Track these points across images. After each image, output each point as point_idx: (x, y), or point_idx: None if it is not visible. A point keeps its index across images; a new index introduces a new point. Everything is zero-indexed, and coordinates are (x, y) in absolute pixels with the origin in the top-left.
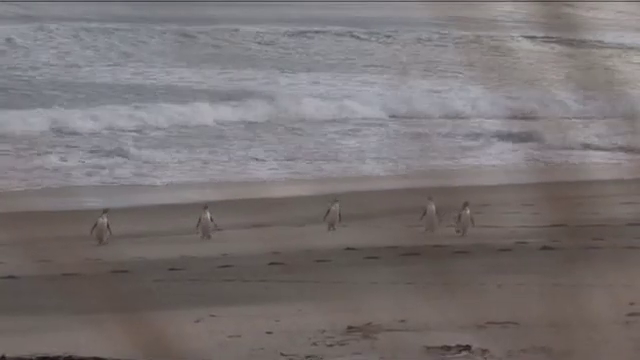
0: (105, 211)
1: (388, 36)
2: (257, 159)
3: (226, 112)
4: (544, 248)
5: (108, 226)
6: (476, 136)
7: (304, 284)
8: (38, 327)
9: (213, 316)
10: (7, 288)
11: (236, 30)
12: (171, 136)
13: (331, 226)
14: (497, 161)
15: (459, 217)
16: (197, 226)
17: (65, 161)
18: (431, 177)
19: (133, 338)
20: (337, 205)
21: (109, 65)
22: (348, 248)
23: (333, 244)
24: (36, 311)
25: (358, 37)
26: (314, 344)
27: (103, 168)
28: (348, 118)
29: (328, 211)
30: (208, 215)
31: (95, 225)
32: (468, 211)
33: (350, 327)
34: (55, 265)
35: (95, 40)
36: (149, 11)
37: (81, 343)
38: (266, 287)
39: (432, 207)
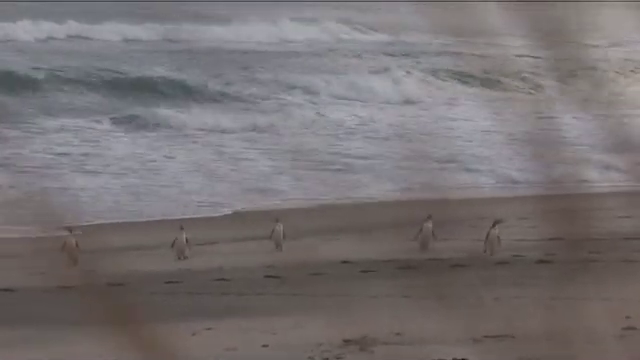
0: (70, 230)
1: None
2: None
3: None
4: (540, 262)
5: (77, 244)
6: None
7: (300, 297)
8: (35, 339)
9: (209, 329)
10: (4, 300)
11: None
12: None
13: (278, 246)
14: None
15: (487, 236)
16: (172, 246)
17: None
18: (428, 190)
19: (130, 351)
20: (280, 225)
21: None
22: (344, 261)
23: (329, 257)
24: (33, 323)
25: None
26: (310, 357)
27: None
28: None
29: (272, 231)
30: (184, 236)
31: (64, 244)
32: (497, 230)
33: (346, 340)
34: (52, 277)
35: None
36: None
37: (78, 355)
38: (262, 300)
39: (429, 225)
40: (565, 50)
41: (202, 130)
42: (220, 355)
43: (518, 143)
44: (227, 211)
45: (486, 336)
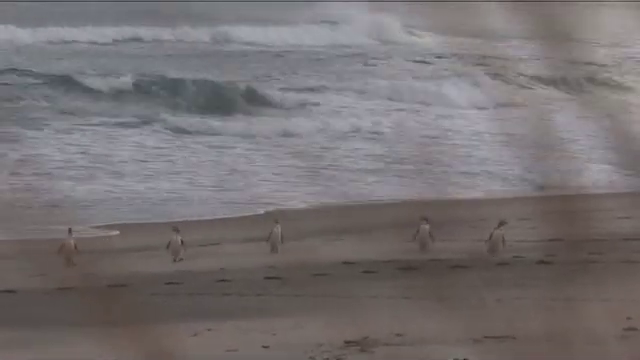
0: (70, 231)
1: None
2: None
3: None
4: (541, 262)
5: (76, 247)
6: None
7: (301, 298)
8: (37, 340)
9: (210, 330)
10: (5, 301)
11: None
12: None
13: (274, 248)
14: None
15: (490, 236)
16: (167, 248)
17: None
18: (427, 191)
19: (131, 352)
20: (278, 227)
21: None
22: (345, 262)
23: (330, 258)
24: (35, 324)
25: None
26: (311, 358)
27: None
28: None
29: (270, 233)
30: (178, 237)
31: (62, 246)
32: (502, 231)
33: (347, 341)
34: (53, 279)
35: None
36: None
37: (78, 356)
38: (263, 301)
39: (425, 227)
40: (568, 50)
41: (230, 135)
42: (221, 356)
43: (518, 144)
44: (260, 211)
45: (487, 337)
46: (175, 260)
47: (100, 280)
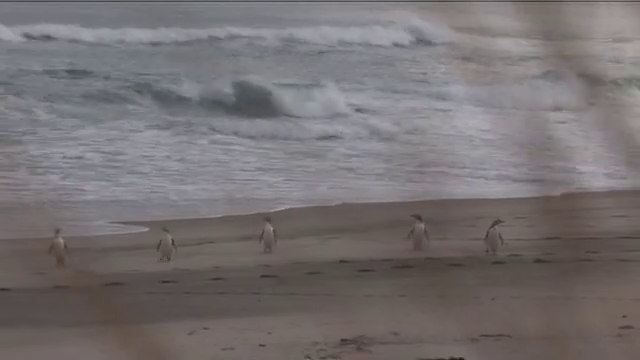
0: (57, 231)
1: None
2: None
3: None
4: (538, 261)
5: (65, 246)
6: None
7: (297, 296)
8: (32, 339)
9: (206, 329)
10: (0, 300)
11: None
12: None
13: (267, 247)
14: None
15: (487, 235)
16: (157, 248)
17: None
18: (423, 190)
19: (126, 351)
20: (269, 225)
21: None
22: (341, 260)
23: (326, 256)
24: (30, 324)
25: None
26: (307, 357)
27: None
28: None
29: (263, 232)
30: (169, 237)
31: (52, 246)
32: (497, 229)
33: (343, 340)
34: (48, 278)
35: None
36: None
37: (74, 355)
38: (259, 299)
39: (420, 225)
40: (566, 49)
41: (228, 134)
42: (217, 355)
43: (515, 144)
44: (256, 210)
45: (483, 335)
46: (165, 260)
47: (96, 279)
